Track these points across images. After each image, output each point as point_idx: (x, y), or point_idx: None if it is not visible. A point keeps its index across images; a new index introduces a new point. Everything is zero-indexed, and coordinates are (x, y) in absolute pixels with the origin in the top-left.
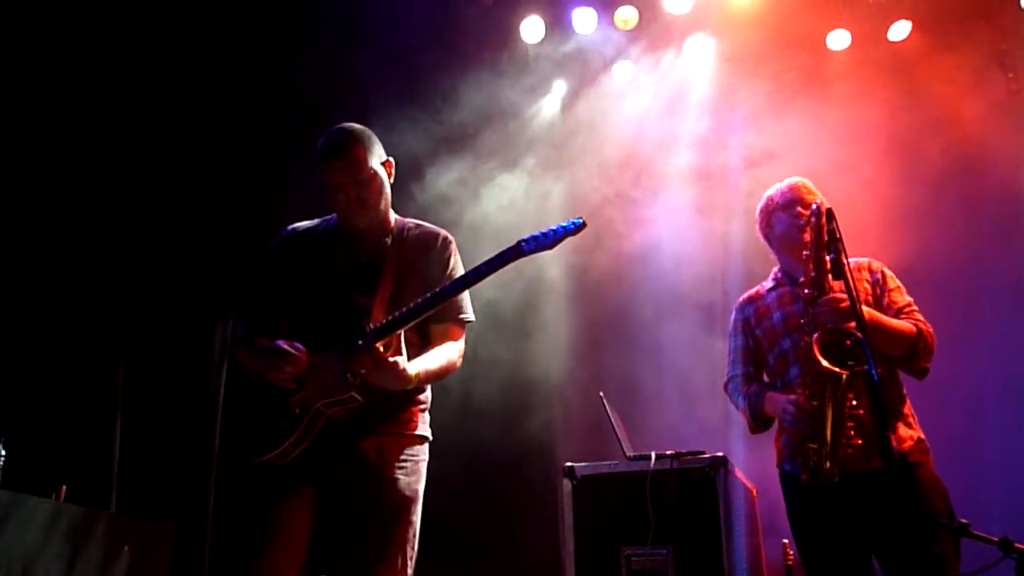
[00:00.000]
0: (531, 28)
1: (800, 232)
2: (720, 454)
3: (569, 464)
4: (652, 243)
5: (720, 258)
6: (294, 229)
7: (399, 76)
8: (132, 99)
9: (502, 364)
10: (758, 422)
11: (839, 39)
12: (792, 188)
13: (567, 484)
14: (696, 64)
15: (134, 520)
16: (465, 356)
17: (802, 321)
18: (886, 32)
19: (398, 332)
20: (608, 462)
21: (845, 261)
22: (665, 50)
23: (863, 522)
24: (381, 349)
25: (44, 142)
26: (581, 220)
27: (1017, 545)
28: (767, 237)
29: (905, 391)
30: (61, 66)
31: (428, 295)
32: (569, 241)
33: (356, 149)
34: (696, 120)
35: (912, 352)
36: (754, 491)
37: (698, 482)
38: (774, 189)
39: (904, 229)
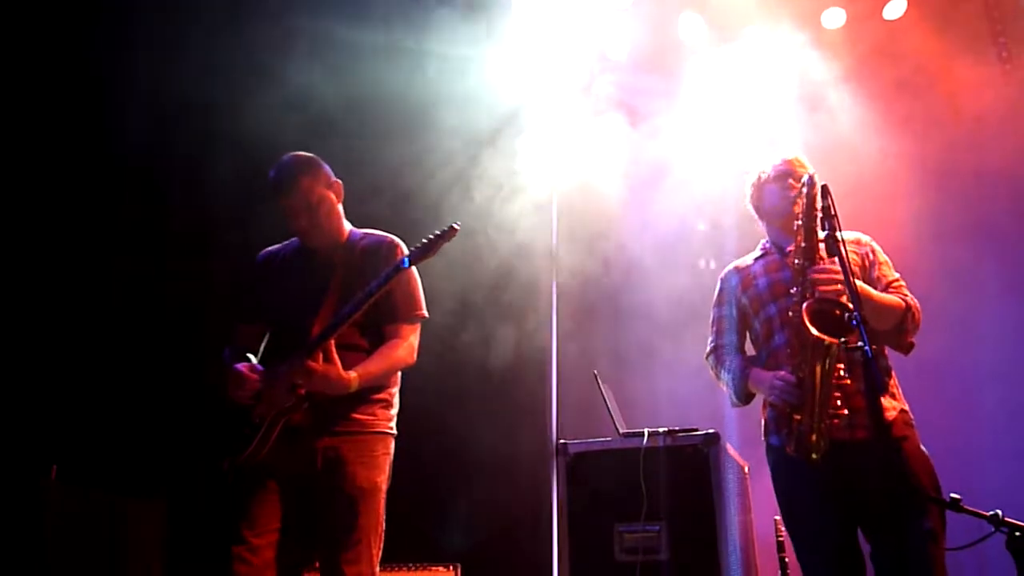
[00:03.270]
0: None
1: (791, 204)
2: (713, 431)
3: (562, 441)
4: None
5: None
6: (265, 253)
7: None
8: None
9: (495, 343)
10: (740, 397)
11: (834, 17)
12: (785, 161)
13: (560, 461)
14: (689, 42)
15: (125, 499)
16: (460, 337)
17: (792, 290)
18: (881, 10)
19: (328, 343)
20: (601, 439)
21: (839, 237)
22: (660, 30)
23: (848, 494)
24: (322, 359)
25: None
26: (450, 226)
27: (1007, 519)
28: (757, 209)
29: (890, 364)
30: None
31: (345, 309)
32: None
33: (301, 181)
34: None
35: (900, 327)
36: (746, 467)
37: (690, 459)
38: (766, 162)
39: (899, 208)
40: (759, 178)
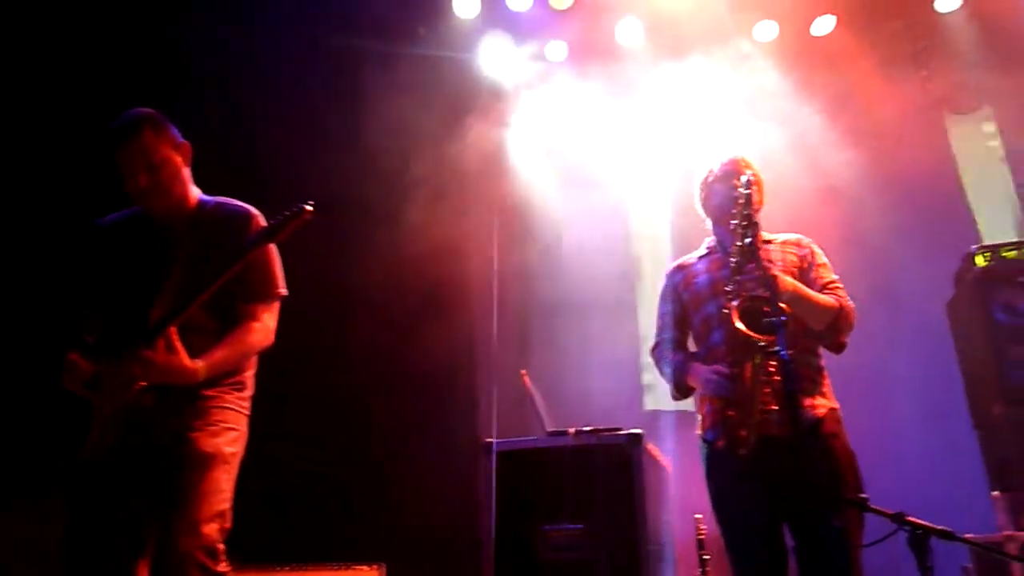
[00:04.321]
0: (464, 3)
1: (734, 204)
2: (636, 431)
3: (488, 440)
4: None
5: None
6: (100, 223)
7: None
8: None
9: (432, 342)
10: (680, 390)
11: (766, 30)
12: (731, 161)
13: (486, 460)
14: (628, 50)
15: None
16: (394, 336)
17: (727, 288)
18: (809, 27)
19: (170, 328)
20: (527, 438)
21: (759, 244)
22: (599, 34)
23: (775, 489)
24: (164, 347)
25: None
26: (302, 207)
27: (909, 518)
28: (704, 208)
29: (823, 363)
30: None
31: (191, 291)
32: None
33: (142, 135)
34: (627, 108)
35: (833, 327)
36: (668, 468)
37: (614, 458)
38: (714, 161)
39: (825, 216)
40: (706, 177)
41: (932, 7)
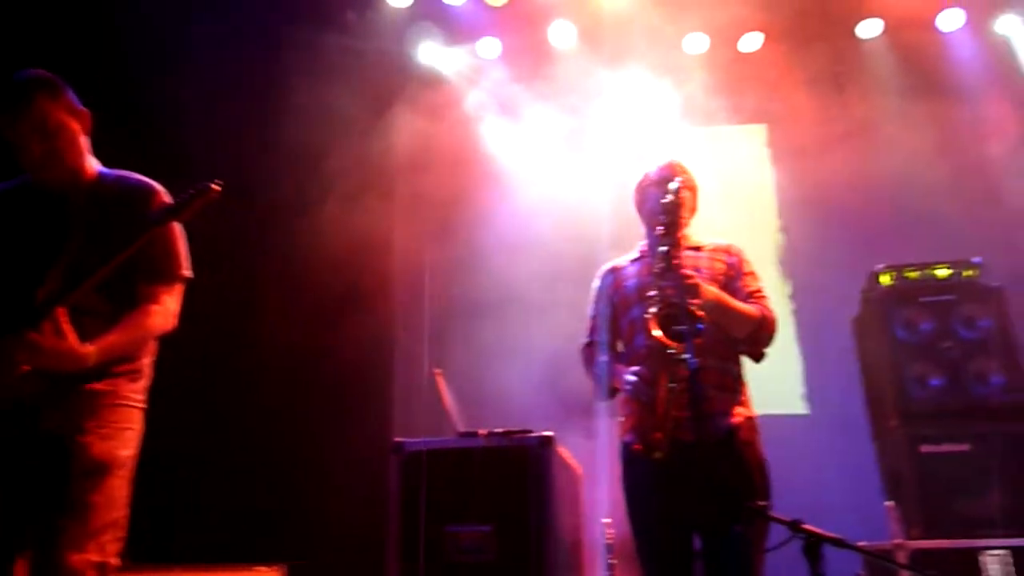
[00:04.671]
0: None
1: (663, 208)
2: (548, 433)
3: (398, 440)
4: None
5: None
6: None
7: None
8: None
9: (346, 338)
10: (606, 392)
11: (696, 42)
12: (667, 165)
13: (395, 460)
14: (561, 51)
15: None
16: (310, 328)
17: (650, 293)
18: (736, 43)
19: (58, 309)
20: (437, 438)
21: (678, 251)
22: (532, 34)
23: (686, 493)
24: (51, 329)
25: None
26: (208, 185)
27: (803, 526)
28: (639, 211)
29: (742, 372)
30: None
31: (84, 271)
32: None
33: (36, 99)
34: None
35: (753, 336)
36: (579, 472)
37: (524, 461)
38: (651, 165)
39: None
40: (642, 181)
41: (854, 33)
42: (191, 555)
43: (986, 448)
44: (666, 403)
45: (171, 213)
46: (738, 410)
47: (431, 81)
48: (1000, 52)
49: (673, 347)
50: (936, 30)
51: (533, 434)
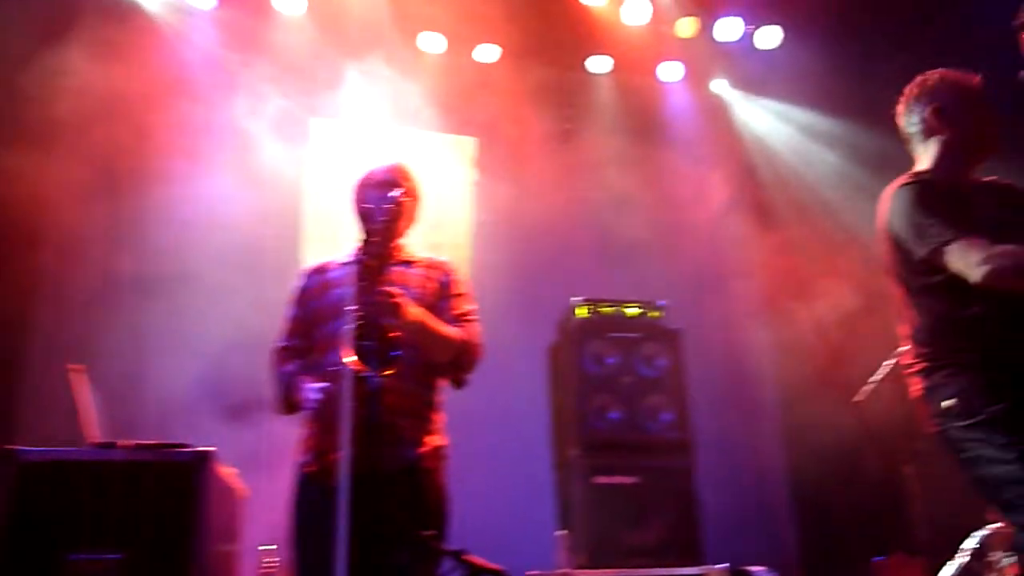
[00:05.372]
0: None
1: (380, 215)
2: (208, 448)
3: (9, 447)
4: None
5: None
6: None
7: None
8: None
9: None
10: (286, 406)
11: (433, 43)
12: (393, 169)
13: (4, 472)
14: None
15: None
16: None
17: (348, 309)
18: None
19: None
20: (65, 448)
21: (388, 266)
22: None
23: (355, 522)
24: None
25: None
26: None
27: (465, 557)
28: (356, 213)
29: (438, 399)
30: None
31: None
32: None
33: None
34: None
35: (455, 362)
36: (242, 494)
37: (173, 479)
38: (377, 165)
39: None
40: (366, 179)
41: (584, 66)
42: None
43: (652, 481)
44: (348, 426)
45: None
46: (427, 438)
47: (122, 13)
48: (716, 112)
49: (364, 370)
50: (657, 79)
51: (188, 449)
